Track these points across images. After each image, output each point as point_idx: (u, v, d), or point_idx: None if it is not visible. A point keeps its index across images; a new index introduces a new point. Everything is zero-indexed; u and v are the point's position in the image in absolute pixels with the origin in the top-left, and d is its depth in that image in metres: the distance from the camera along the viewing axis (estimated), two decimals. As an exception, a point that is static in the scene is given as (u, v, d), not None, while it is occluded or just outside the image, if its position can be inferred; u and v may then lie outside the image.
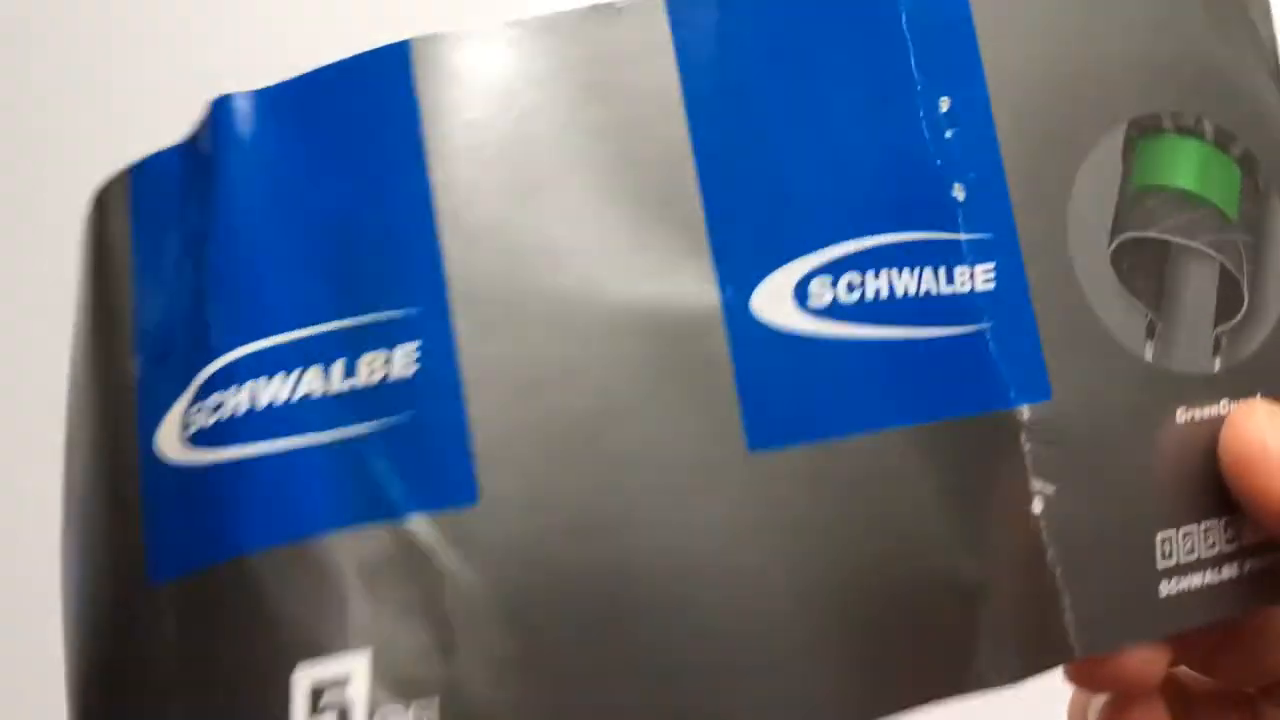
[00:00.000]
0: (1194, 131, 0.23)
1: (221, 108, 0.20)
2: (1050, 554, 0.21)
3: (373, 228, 0.19)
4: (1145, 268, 0.22)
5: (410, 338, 0.19)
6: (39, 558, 0.43)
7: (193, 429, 0.20)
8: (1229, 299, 0.23)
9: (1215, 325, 0.23)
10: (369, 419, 0.19)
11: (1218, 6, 0.24)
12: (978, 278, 0.21)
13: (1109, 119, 0.23)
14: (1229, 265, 0.23)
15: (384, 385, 0.19)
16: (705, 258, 0.20)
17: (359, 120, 0.20)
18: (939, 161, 0.21)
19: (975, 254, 0.21)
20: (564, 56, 0.20)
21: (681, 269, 0.19)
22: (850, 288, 0.20)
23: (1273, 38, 0.24)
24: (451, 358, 0.19)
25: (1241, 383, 0.23)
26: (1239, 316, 0.23)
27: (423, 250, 0.19)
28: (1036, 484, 0.21)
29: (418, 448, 0.19)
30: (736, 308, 0.19)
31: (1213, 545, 0.22)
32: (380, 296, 0.19)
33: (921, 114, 0.21)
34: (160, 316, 0.21)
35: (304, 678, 0.18)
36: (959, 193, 0.21)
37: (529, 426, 0.19)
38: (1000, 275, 0.21)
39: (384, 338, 0.19)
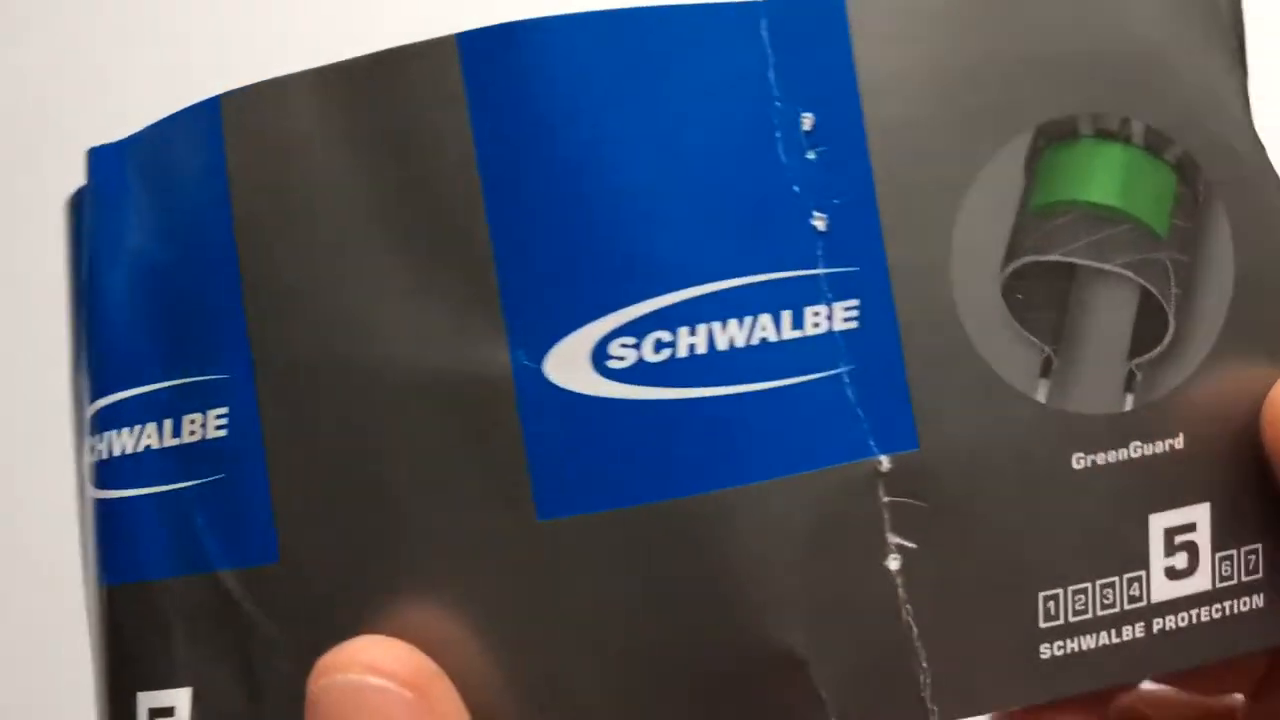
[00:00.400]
0: (1118, 135, 0.20)
1: (94, 154, 0.21)
2: (906, 612, 0.20)
3: (189, 292, 0.20)
4: (1043, 296, 0.20)
5: (220, 402, 0.20)
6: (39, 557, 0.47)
7: (87, 460, 0.21)
8: (1150, 327, 0.20)
9: (1130, 358, 0.20)
10: (191, 477, 0.20)
11: None
12: (836, 317, 0.20)
13: (1011, 125, 0.20)
14: (1152, 289, 0.20)
15: (202, 445, 0.20)
16: (498, 321, 0.19)
17: (179, 179, 0.20)
18: (797, 188, 0.20)
19: (835, 291, 0.20)
20: (359, 107, 0.19)
21: (474, 333, 0.19)
22: (658, 346, 0.19)
23: (1236, 7, 0.20)
24: (255, 423, 0.19)
25: (1158, 423, 0.20)
26: (1161, 347, 0.20)
27: (229, 317, 0.20)
28: (894, 540, 0.20)
29: (227, 507, 0.20)
30: (529, 373, 0.19)
31: (1111, 604, 0.20)
32: (196, 359, 0.20)
33: (778, 134, 0.20)
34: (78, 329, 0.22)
35: (144, 701, 0.20)
36: (819, 222, 0.20)
37: (323, 493, 0.19)
38: (865, 313, 0.20)
39: (200, 400, 0.20)
